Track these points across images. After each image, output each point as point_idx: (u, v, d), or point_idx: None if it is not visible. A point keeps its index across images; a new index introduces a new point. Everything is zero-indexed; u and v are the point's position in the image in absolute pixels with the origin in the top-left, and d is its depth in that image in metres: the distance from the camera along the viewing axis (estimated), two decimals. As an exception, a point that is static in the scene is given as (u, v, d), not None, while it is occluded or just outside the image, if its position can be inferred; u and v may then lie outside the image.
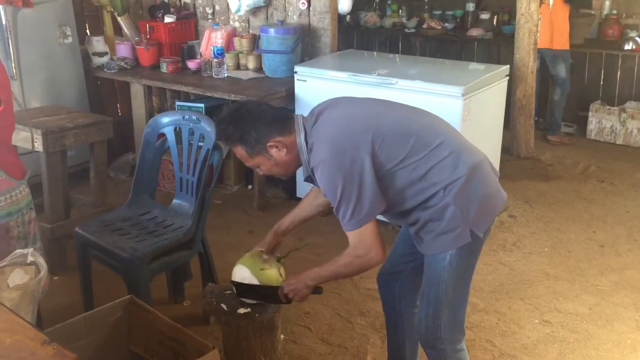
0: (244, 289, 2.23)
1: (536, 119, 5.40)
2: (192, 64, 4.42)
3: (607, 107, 5.45)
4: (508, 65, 3.89)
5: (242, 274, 2.21)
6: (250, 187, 4.43)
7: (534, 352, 2.72)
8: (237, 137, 1.93)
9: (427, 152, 1.91)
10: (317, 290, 2.12)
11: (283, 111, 2.07)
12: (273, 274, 2.21)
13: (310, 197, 2.28)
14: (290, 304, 2.18)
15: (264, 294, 2.21)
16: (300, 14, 4.28)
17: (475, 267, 2.10)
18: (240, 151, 1.97)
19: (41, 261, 1.82)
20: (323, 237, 3.59)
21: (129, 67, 4.53)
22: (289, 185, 4.18)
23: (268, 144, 1.93)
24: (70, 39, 4.29)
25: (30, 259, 1.81)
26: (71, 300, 3.00)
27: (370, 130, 1.88)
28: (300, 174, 2.05)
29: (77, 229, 2.69)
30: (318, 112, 1.98)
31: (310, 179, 1.99)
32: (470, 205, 1.92)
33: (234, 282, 2.25)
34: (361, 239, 1.90)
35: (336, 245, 3.68)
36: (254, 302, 2.26)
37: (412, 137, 1.92)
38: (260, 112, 1.96)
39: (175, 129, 2.87)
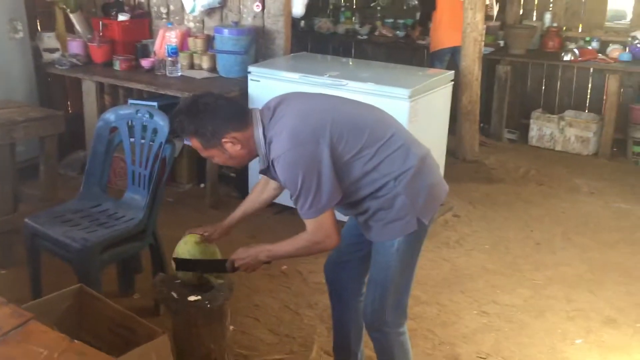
0: (187, 264, 2.28)
1: (481, 125, 5.64)
2: (145, 63, 4.44)
3: (547, 115, 5.72)
4: (453, 71, 4.08)
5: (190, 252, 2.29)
6: (202, 185, 4.47)
7: (472, 340, 2.87)
8: (192, 130, 2.00)
9: (380, 145, 2.02)
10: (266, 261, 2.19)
11: (239, 105, 2.12)
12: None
13: (256, 192, 2.35)
14: (234, 272, 2.22)
15: (209, 267, 2.26)
16: (254, 16, 4.37)
17: (420, 255, 2.21)
18: (195, 142, 2.03)
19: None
20: (274, 235, 3.65)
21: (80, 64, 4.51)
22: (241, 183, 4.24)
23: (223, 139, 1.99)
24: (21, 34, 4.25)
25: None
26: (19, 295, 2.94)
27: (327, 124, 1.97)
28: (253, 172, 2.12)
29: (26, 220, 2.69)
30: (274, 106, 2.05)
31: (265, 171, 2.06)
32: (419, 194, 2.04)
33: (176, 258, 2.29)
34: (319, 227, 1.98)
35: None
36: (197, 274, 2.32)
37: (367, 129, 2.02)
38: (217, 106, 2.01)
39: (127, 123, 2.91)
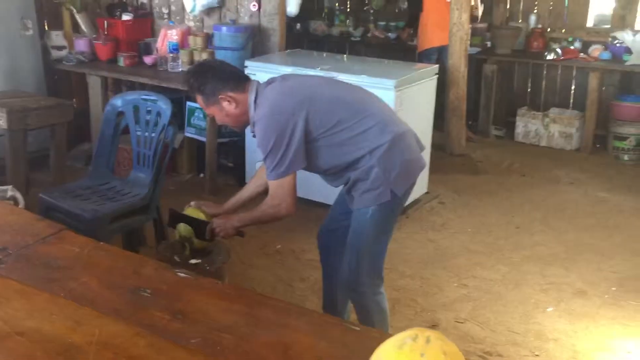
0: (177, 217, 2.52)
1: (469, 122, 5.89)
2: (148, 59, 4.70)
3: (532, 112, 5.98)
4: (437, 65, 4.33)
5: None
6: (202, 175, 4.71)
7: (451, 308, 3.10)
8: (196, 87, 2.28)
9: (356, 121, 2.27)
10: (240, 233, 2.44)
11: (240, 72, 2.41)
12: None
13: (252, 182, 2.61)
14: (212, 241, 2.47)
15: (194, 224, 2.49)
16: (251, 15, 4.63)
17: (395, 226, 2.45)
18: (199, 100, 2.32)
19: (19, 196, 2.09)
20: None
21: (86, 61, 4.77)
22: (239, 172, 4.49)
23: (220, 97, 2.26)
24: (31, 32, 4.53)
25: (9, 194, 2.08)
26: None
27: (308, 100, 2.24)
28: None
29: (41, 194, 2.93)
30: (271, 80, 2.35)
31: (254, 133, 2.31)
32: (392, 168, 2.28)
33: (171, 209, 2.55)
34: (278, 190, 2.24)
35: (282, 225, 4.00)
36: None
37: (345, 107, 2.29)
38: (221, 69, 2.32)
39: (133, 109, 3.15)
